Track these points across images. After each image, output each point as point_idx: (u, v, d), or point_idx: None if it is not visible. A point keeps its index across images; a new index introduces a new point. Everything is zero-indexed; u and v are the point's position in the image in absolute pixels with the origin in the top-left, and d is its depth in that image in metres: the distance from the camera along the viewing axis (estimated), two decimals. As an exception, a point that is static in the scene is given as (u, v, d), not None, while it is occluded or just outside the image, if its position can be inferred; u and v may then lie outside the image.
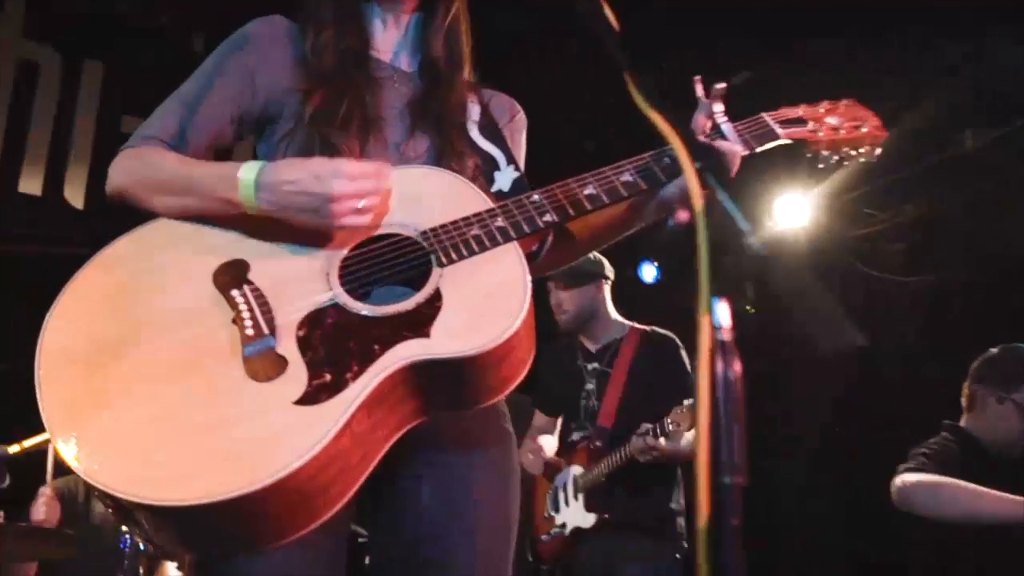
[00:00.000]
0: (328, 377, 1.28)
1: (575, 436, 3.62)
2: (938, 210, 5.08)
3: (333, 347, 1.30)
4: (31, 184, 5.28)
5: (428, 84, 1.68)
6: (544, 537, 3.55)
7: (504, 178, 1.64)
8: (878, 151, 1.72)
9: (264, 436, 1.22)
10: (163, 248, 1.42)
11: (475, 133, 1.69)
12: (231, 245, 1.41)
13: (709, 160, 1.00)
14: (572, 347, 3.75)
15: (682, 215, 1.02)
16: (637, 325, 3.72)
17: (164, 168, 1.49)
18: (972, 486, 2.81)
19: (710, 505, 0.88)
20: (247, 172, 1.39)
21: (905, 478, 2.92)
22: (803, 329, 4.71)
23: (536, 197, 1.50)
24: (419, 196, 1.46)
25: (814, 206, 5.53)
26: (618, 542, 3.38)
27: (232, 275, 1.38)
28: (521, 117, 1.83)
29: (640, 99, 1.06)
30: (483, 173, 1.64)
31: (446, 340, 1.31)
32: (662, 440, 3.26)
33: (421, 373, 1.31)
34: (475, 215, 1.44)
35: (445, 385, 1.35)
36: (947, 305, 5.06)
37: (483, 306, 1.34)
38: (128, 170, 1.53)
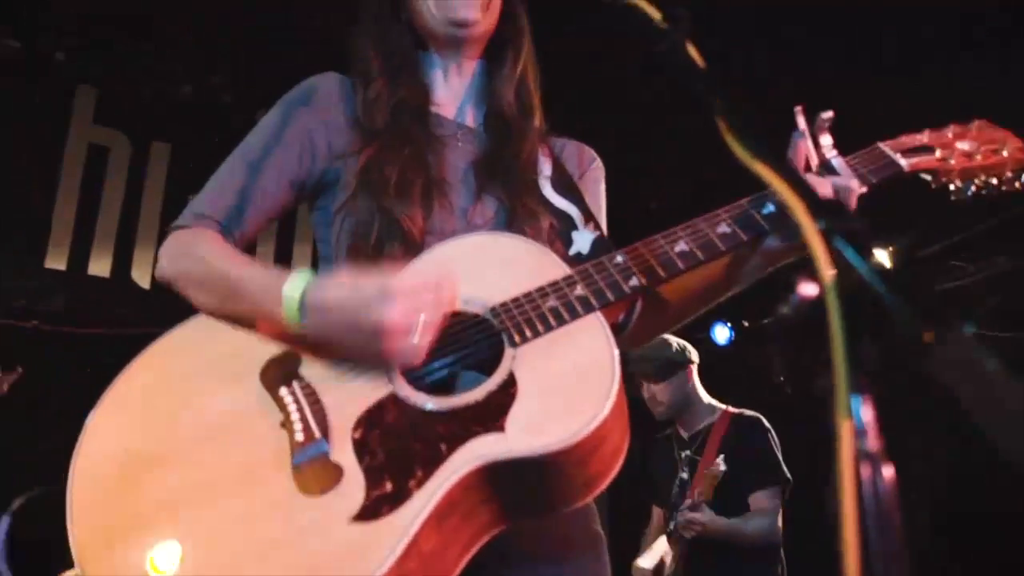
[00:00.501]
0: (389, 486, 1.11)
1: (671, 526, 3.56)
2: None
3: (394, 449, 1.14)
4: (100, 266, 5.34)
5: (496, 139, 1.54)
6: None
7: (583, 239, 1.47)
8: (1023, 178, 1.49)
9: (317, 562, 1.06)
10: (210, 341, 1.29)
11: (548, 190, 1.52)
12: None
13: (838, 219, 0.82)
14: (671, 438, 3.79)
15: (806, 288, 0.85)
16: (729, 408, 3.72)
17: (210, 264, 1.35)
18: None
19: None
20: (292, 288, 1.23)
21: None
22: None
23: (620, 258, 1.32)
24: (487, 266, 1.30)
25: (894, 258, 5.26)
26: None
27: (281, 370, 1.23)
28: (598, 166, 1.67)
29: (739, 148, 0.90)
30: (559, 234, 1.47)
31: (524, 434, 1.13)
32: (698, 514, 3.26)
33: (497, 475, 1.13)
34: (551, 284, 1.27)
35: (527, 488, 1.16)
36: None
37: (566, 391, 1.17)
38: (175, 259, 1.40)
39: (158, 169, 5.62)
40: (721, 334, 6.46)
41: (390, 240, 1.38)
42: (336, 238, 1.46)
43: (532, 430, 1.13)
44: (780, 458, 3.55)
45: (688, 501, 3.31)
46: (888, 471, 0.77)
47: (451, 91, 1.59)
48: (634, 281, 1.28)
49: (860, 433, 0.75)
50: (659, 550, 3.60)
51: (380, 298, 1.17)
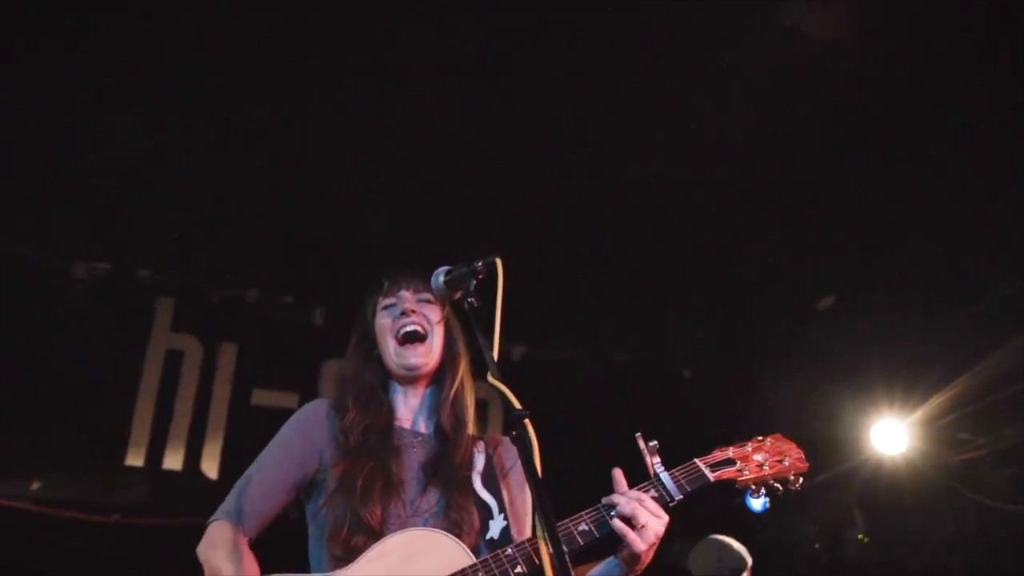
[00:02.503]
0: None
1: None
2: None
3: None
4: (173, 460, 5.90)
5: (439, 446, 2.09)
6: None
7: (496, 527, 2.00)
8: (800, 480, 1.95)
9: None
10: None
11: (478, 484, 2.06)
12: None
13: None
14: None
15: None
16: None
17: (214, 566, 1.92)
18: None
19: None
20: None
21: None
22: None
23: (510, 551, 1.82)
24: (417, 555, 1.84)
25: (911, 432, 5.54)
26: None
27: None
28: (514, 458, 2.15)
29: (539, 528, 1.36)
30: (481, 521, 2.00)
31: None
32: None
33: None
34: (460, 571, 1.79)
35: None
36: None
37: None
38: (203, 550, 1.98)
39: (226, 366, 6.25)
40: (756, 502, 6.66)
41: (357, 532, 1.93)
42: (321, 527, 2.02)
43: None
44: None
45: None
46: None
47: (408, 408, 2.18)
48: (518, 569, 1.78)
49: None
50: None
51: None
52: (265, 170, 5.12)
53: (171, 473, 5.88)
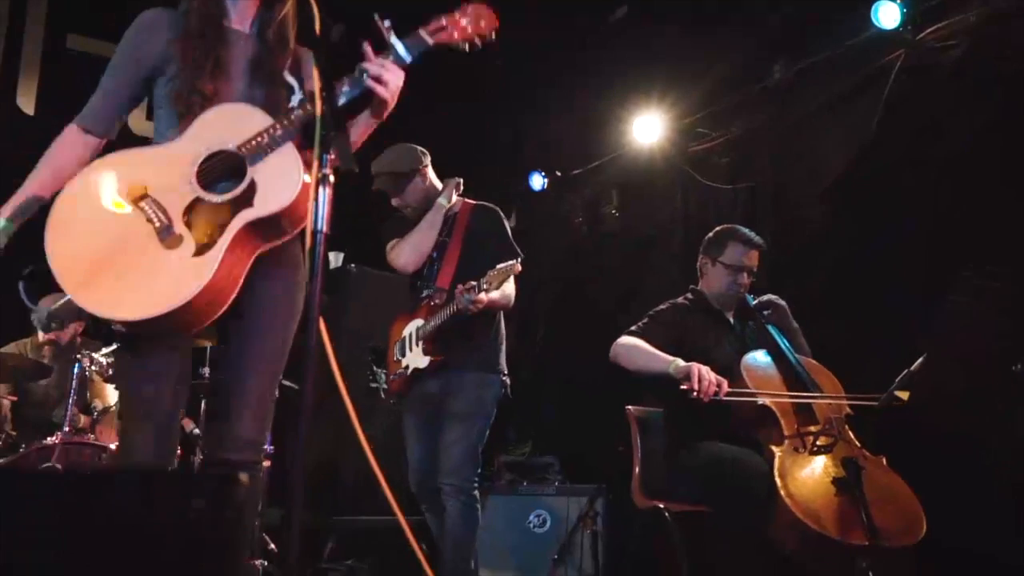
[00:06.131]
0: (206, 239, 2.34)
1: (424, 293, 4.24)
2: (754, 130, 6.17)
3: (204, 223, 2.36)
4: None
5: (264, 50, 2.62)
6: (392, 376, 4.30)
7: (295, 99, 2.62)
8: (493, 35, 2.52)
9: (182, 275, 2.29)
10: (98, 184, 2.41)
11: (288, 75, 2.64)
12: (133, 178, 2.41)
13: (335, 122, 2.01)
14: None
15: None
16: (467, 200, 4.42)
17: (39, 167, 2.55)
18: (644, 348, 3.83)
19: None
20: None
21: (618, 341, 3.94)
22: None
23: (293, 116, 2.43)
24: (233, 123, 2.44)
25: (664, 126, 6.60)
26: (448, 378, 4.13)
27: (138, 195, 2.38)
28: (310, 55, 2.66)
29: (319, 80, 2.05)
30: (286, 97, 2.61)
31: (263, 206, 2.37)
32: (483, 295, 3.89)
33: (254, 225, 2.38)
34: (264, 130, 2.41)
35: (267, 229, 2.42)
36: (757, 209, 6.18)
37: (278, 183, 2.38)
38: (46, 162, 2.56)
39: (38, 8, 6.31)
40: (537, 182, 7.68)
41: (193, 95, 2.47)
42: (167, 99, 2.54)
43: (266, 204, 2.37)
44: (512, 238, 4.31)
45: (472, 284, 3.87)
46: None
47: (240, 15, 2.64)
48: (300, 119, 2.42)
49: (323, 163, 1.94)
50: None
51: None
52: None
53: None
